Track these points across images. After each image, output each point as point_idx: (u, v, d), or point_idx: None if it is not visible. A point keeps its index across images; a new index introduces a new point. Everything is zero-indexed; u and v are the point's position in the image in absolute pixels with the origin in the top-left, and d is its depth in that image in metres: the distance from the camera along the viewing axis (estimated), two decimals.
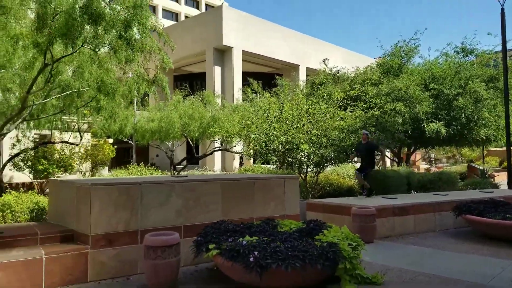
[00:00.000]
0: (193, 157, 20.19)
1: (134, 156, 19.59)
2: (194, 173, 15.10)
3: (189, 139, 18.48)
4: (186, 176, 6.40)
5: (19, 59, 9.11)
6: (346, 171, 15.36)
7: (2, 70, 9.15)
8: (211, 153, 19.79)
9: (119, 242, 4.79)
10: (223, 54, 25.97)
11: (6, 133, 10.26)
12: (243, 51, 25.94)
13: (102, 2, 6.67)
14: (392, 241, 7.12)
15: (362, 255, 4.69)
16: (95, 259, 4.61)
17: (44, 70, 8.09)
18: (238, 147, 18.15)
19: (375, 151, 9.38)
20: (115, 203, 4.83)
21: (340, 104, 12.08)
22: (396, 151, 16.91)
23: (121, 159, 22.74)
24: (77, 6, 6.36)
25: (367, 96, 13.47)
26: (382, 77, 15.03)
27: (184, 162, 20.26)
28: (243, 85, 23.30)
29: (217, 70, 25.70)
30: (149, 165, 16.43)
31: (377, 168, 19.57)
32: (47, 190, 12.97)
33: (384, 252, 6.27)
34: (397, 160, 17.20)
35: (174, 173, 14.34)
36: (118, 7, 6.82)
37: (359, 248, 4.45)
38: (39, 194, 7.76)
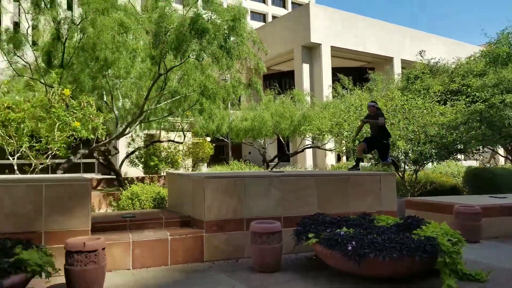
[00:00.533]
0: (285, 154, 20.78)
1: (230, 153, 20.87)
2: (287, 170, 15.64)
3: (280, 137, 19.10)
4: (283, 172, 6.88)
5: (135, 70, 10.54)
6: (449, 169, 14.56)
7: (122, 80, 10.65)
8: (302, 151, 20.16)
9: (228, 228, 5.46)
10: (311, 51, 26.12)
11: (127, 133, 11.89)
12: (331, 47, 25.78)
13: (204, 17, 7.51)
14: (500, 241, 6.71)
15: (466, 254, 4.62)
16: (209, 242, 5.34)
17: (158, 79, 9.28)
18: (330, 145, 18.25)
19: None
20: (225, 194, 5.51)
21: (439, 98, 11.52)
22: (509, 148, 15.39)
23: (217, 156, 24.32)
24: (186, 23, 7.27)
25: (469, 89, 12.58)
26: (487, 67, 13.86)
27: (276, 159, 20.97)
28: (333, 82, 23.20)
29: (306, 67, 25.95)
30: (247, 161, 17.39)
31: (486, 166, 18.00)
32: (158, 183, 14.62)
33: (490, 252, 6.01)
34: (510, 157, 15.65)
35: (271, 169, 15.07)
36: (219, 21, 7.60)
37: (459, 244, 4.41)
38: (166, 186, 8.99)
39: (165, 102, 10.32)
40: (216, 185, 5.49)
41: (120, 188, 11.80)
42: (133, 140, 15.98)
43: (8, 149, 7.61)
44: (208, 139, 19.88)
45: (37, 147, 7.34)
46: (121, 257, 4.94)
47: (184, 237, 5.22)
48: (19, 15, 11.32)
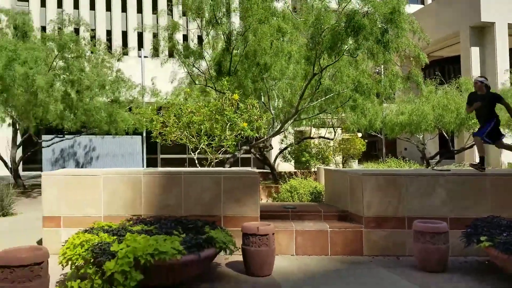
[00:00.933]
0: (448, 151, 18.84)
1: (384, 149, 20.06)
2: (451, 168, 14.23)
3: (443, 132, 17.43)
4: (449, 170, 6.41)
5: (289, 71, 11.16)
6: None
7: (276, 81, 11.41)
8: (471, 147, 17.90)
9: (388, 225, 5.45)
10: (481, 32, 22.79)
11: (282, 131, 12.72)
12: (509, 24, 22.02)
13: (361, 11, 7.49)
14: None
15: None
16: (368, 237, 5.43)
17: (312, 78, 9.66)
18: (507, 140, 15.71)
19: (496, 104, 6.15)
20: (384, 191, 5.51)
21: None
22: None
23: (368, 152, 23.64)
24: (341, 21, 7.41)
25: None
26: None
27: (438, 156, 19.20)
28: (511, 65, 19.86)
29: (475, 51, 22.78)
30: (405, 158, 16.50)
31: None
32: (310, 178, 15.17)
33: None
34: None
35: (432, 167, 14.02)
36: (376, 15, 7.46)
37: None
38: (316, 181, 9.44)
39: (319, 100, 10.66)
40: (375, 182, 5.53)
41: (276, 181, 12.71)
42: (285, 137, 16.95)
43: (190, 146, 9.13)
44: (359, 134, 19.52)
45: (213, 145, 8.61)
46: (286, 243, 5.46)
47: (343, 231, 5.44)
48: (187, 28, 13.22)
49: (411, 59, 8.75)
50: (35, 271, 3.58)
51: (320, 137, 17.11)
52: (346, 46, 8.09)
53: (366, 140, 18.87)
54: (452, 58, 26.19)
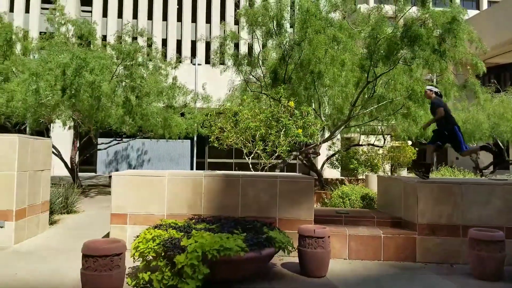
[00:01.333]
0: (504, 161, 17.98)
1: (435, 158, 19.46)
2: (504, 177, 13.63)
3: (498, 141, 16.70)
4: (506, 180, 6.33)
5: (341, 78, 11.25)
6: None
7: (328, 88, 11.53)
8: None
9: (442, 233, 5.52)
10: None
11: (333, 138, 12.79)
12: None
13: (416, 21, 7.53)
14: None
15: None
16: (421, 244, 5.53)
17: (366, 86, 9.74)
18: None
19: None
20: (439, 199, 5.59)
21: None
22: None
23: (417, 161, 22.94)
24: (397, 31, 7.50)
25: None
26: None
27: (491, 166, 18.39)
28: None
29: None
30: (460, 167, 15.99)
31: None
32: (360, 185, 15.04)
33: None
34: None
35: (486, 177, 13.50)
36: (433, 24, 7.48)
37: None
38: (367, 187, 9.49)
39: (372, 107, 10.68)
40: (430, 190, 5.61)
41: (322, 187, 12.78)
42: (333, 143, 16.93)
43: (245, 151, 9.53)
44: (409, 142, 19.06)
45: (268, 150, 8.94)
46: (339, 247, 5.65)
47: (396, 237, 5.56)
48: (239, 35, 13.68)
49: (468, 67, 8.61)
50: (115, 261, 3.96)
51: (369, 144, 16.90)
52: (401, 55, 8.14)
53: (416, 149, 18.40)
54: (509, 65, 24.92)
